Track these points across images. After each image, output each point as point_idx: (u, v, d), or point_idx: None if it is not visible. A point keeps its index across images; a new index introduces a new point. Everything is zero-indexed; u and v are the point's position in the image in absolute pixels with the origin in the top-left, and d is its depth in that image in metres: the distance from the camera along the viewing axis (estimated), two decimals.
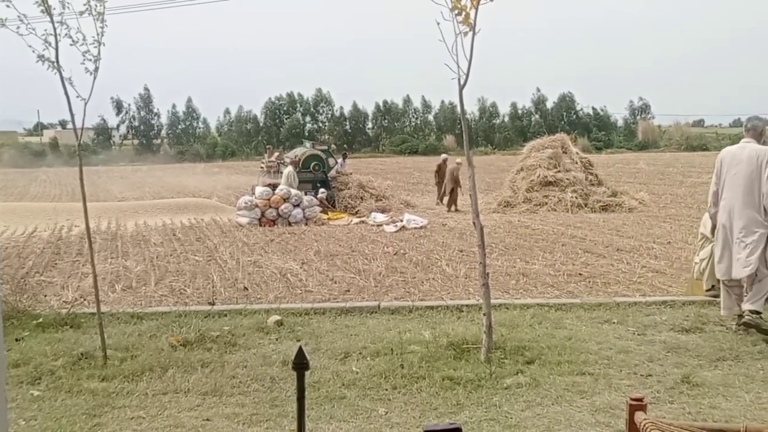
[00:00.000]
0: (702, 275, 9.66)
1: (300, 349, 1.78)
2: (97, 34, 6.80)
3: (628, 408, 2.28)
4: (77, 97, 6.77)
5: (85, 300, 10.11)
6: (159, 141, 73.14)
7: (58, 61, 6.72)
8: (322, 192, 21.48)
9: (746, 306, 7.81)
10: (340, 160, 25.33)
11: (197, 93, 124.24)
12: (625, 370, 6.63)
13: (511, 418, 5.60)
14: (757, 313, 7.75)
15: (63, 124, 76.93)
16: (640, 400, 2.30)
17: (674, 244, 14.27)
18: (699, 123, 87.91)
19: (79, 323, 8.64)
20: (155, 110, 73.05)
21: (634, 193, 23.40)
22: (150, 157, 63.75)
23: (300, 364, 1.76)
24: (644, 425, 2.12)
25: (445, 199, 22.54)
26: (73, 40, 6.74)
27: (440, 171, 24.08)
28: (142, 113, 72.17)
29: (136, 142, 71.89)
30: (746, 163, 7.83)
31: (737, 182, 7.89)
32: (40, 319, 8.67)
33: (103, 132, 70.48)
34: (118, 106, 71.13)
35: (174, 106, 73.69)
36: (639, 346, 7.36)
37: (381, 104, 75.04)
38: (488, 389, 6.22)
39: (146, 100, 72.49)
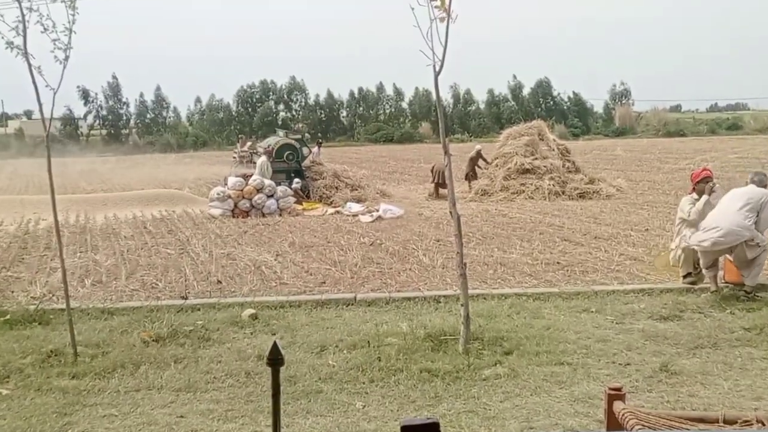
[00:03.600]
0: (678, 261, 9.80)
1: (275, 345, 1.77)
2: (69, 22, 6.70)
3: (607, 398, 2.31)
4: (46, 86, 6.67)
5: (53, 296, 9.99)
6: (128, 131, 72.36)
7: (26, 49, 6.61)
8: (297, 182, 21.41)
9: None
10: (314, 149, 25.25)
11: (166, 81, 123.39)
12: (603, 360, 6.71)
13: (490, 409, 5.64)
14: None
15: (28, 114, 75.81)
16: (619, 389, 2.32)
17: (652, 231, 14.42)
18: (676, 108, 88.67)
19: (48, 320, 8.56)
20: (124, 99, 72.33)
21: (612, 180, 23.57)
22: (119, 147, 62.98)
23: (275, 359, 1.75)
24: (623, 414, 2.14)
25: (473, 186, 22.79)
26: (44, 27, 6.63)
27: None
28: (110, 102, 71.32)
29: (104, 132, 71.04)
30: (746, 190, 8.93)
31: (733, 198, 8.96)
32: (8, 316, 8.57)
33: (69, 122, 69.47)
34: (85, 96, 70.13)
35: (142, 95, 72.99)
36: (617, 335, 7.44)
37: (356, 92, 74.98)
38: (467, 381, 6.26)
39: (114, 89, 71.54)
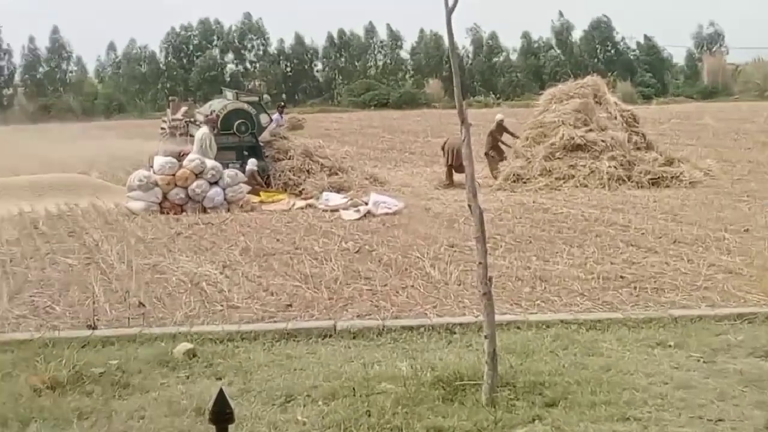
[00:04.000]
0: None
1: (220, 394, 1.78)
2: None
3: None
4: None
5: None
6: (10, 91, 72.04)
7: None
8: (253, 163, 21.37)
9: None
10: (276, 117, 25.22)
11: (67, 21, 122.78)
12: (686, 414, 6.71)
13: None
14: None
15: None
16: None
17: (754, 233, 14.44)
18: None
19: None
20: (4, 46, 71.98)
21: (698, 161, 23.63)
22: None
23: (221, 414, 1.75)
24: None
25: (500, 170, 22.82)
26: None
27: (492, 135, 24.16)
28: None
29: None
30: None
31: None
32: None
33: None
34: None
35: (32, 41, 72.65)
36: (706, 379, 7.44)
37: (335, 36, 74.76)
38: None
39: None
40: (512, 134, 23.87)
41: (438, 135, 25.16)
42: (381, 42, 75.51)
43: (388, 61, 75.54)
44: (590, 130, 22.46)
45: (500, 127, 23.95)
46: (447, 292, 10.86)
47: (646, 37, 75.20)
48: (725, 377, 7.50)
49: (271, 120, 23.80)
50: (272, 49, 74.42)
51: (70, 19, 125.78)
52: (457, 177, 22.27)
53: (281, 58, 74.31)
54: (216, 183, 19.15)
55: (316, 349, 8.72)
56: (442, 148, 23.52)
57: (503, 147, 23.81)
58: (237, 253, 13.91)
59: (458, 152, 22.14)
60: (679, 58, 76.59)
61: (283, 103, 29.34)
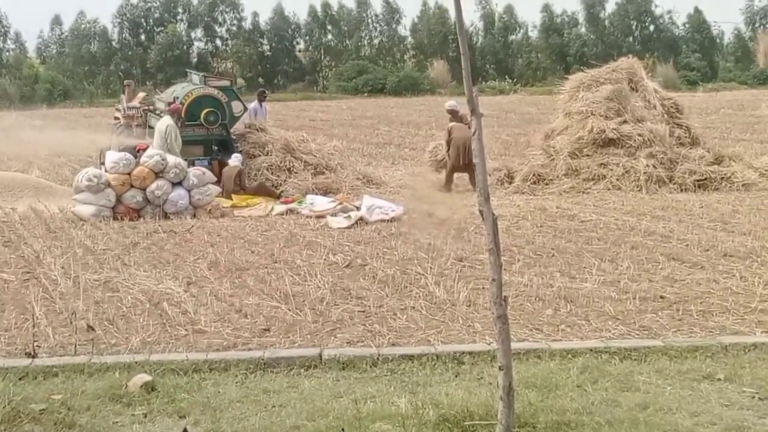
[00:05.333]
0: None
1: None
2: None
3: None
4: None
5: None
6: None
7: None
8: (237, 159, 21.19)
9: None
10: (253, 105, 25.16)
11: None
12: None
13: None
14: None
15: None
16: None
17: None
18: None
19: None
20: None
21: (752, 159, 23.60)
22: None
23: None
24: None
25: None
26: None
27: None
28: None
29: None
30: None
31: None
32: None
33: None
34: None
35: None
36: (762, 419, 7.45)
37: (320, 9, 74.66)
38: None
39: None
40: (468, 125, 23.81)
41: (444, 127, 25.11)
42: (376, 16, 75.34)
43: (385, 39, 75.24)
44: (624, 122, 22.44)
45: (455, 119, 23.76)
46: (454, 315, 10.86)
47: (696, 9, 74.68)
48: None
49: (246, 109, 23.72)
50: (247, 24, 74.23)
51: None
52: (458, 177, 22.26)
53: (257, 34, 74.02)
54: (180, 183, 19.10)
55: (299, 382, 8.71)
56: (447, 141, 23.18)
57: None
58: (204, 267, 13.89)
59: (469, 147, 22.17)
60: (729, 36, 76.40)
61: (265, 92, 28.91)
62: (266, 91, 28.28)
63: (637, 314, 10.72)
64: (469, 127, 22.75)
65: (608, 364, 8.88)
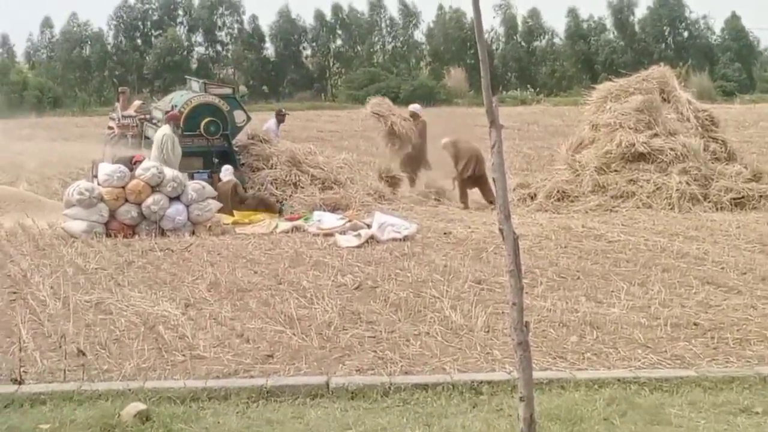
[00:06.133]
0: None
1: None
2: None
3: None
4: None
5: None
6: None
7: None
8: (229, 171, 21.15)
9: None
10: (270, 124, 25.16)
11: None
12: None
13: None
14: None
15: None
16: None
17: None
18: None
19: None
20: None
21: None
22: None
23: None
24: None
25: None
26: None
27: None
28: None
29: None
30: None
31: None
32: None
33: None
34: None
35: None
36: None
37: (329, 14, 74.74)
38: None
39: None
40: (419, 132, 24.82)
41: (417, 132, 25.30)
42: (389, 20, 75.35)
43: (399, 45, 75.39)
44: (656, 135, 22.45)
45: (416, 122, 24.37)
46: (471, 342, 10.84)
47: (734, 15, 74.54)
48: None
49: (249, 118, 23.72)
50: (249, 27, 74.29)
51: None
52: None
53: (257, 40, 73.99)
54: (177, 198, 19.10)
55: (304, 412, 8.70)
56: (454, 156, 23.21)
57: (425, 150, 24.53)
58: (204, 289, 13.90)
59: (480, 159, 22.24)
60: (763, 44, 76.24)
61: (284, 112, 28.29)
62: (285, 112, 27.86)
63: (669, 342, 10.69)
64: (419, 135, 23.57)
65: (637, 395, 8.86)
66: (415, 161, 24.73)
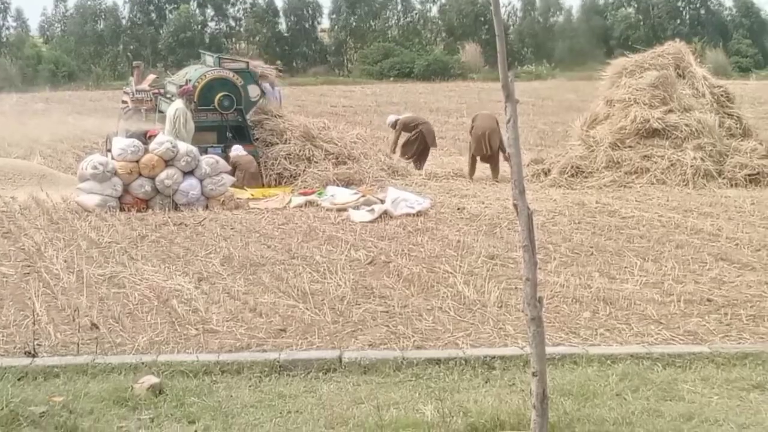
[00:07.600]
0: None
1: None
2: None
3: None
4: None
5: None
6: None
7: None
8: (238, 150, 21.18)
9: None
10: (270, 88, 25.09)
11: None
12: None
13: None
14: None
15: None
16: None
17: None
18: None
19: None
20: None
21: None
22: None
23: None
24: None
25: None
26: None
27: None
28: None
29: None
30: None
31: None
32: None
33: None
34: None
35: None
36: None
37: None
38: None
39: None
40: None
41: (473, 114, 25.14)
42: None
43: (412, 20, 75.16)
44: (670, 111, 22.36)
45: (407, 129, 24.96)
46: (484, 317, 10.84)
47: None
48: None
49: (263, 93, 23.67)
50: (263, 2, 74.11)
51: None
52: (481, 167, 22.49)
53: (271, 14, 73.74)
54: (191, 173, 19.08)
55: (317, 386, 8.72)
56: (470, 131, 23.28)
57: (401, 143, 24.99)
58: (217, 263, 13.90)
59: (491, 137, 22.19)
60: None
61: (281, 68, 28.30)
62: (282, 68, 27.93)
63: (682, 318, 10.67)
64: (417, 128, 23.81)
65: (650, 371, 8.85)
66: (421, 156, 24.76)
